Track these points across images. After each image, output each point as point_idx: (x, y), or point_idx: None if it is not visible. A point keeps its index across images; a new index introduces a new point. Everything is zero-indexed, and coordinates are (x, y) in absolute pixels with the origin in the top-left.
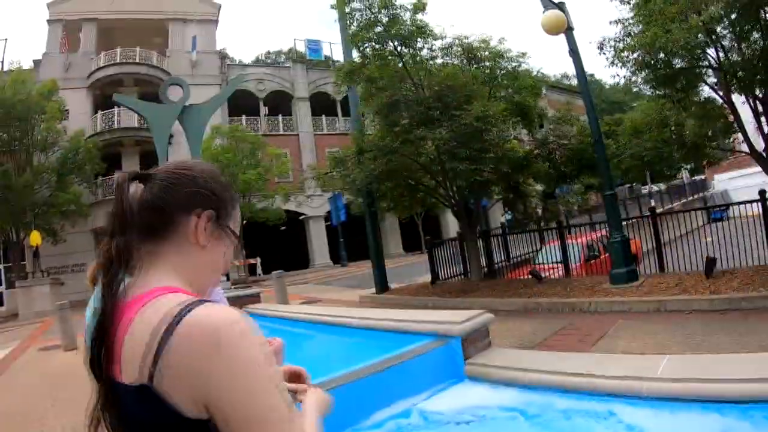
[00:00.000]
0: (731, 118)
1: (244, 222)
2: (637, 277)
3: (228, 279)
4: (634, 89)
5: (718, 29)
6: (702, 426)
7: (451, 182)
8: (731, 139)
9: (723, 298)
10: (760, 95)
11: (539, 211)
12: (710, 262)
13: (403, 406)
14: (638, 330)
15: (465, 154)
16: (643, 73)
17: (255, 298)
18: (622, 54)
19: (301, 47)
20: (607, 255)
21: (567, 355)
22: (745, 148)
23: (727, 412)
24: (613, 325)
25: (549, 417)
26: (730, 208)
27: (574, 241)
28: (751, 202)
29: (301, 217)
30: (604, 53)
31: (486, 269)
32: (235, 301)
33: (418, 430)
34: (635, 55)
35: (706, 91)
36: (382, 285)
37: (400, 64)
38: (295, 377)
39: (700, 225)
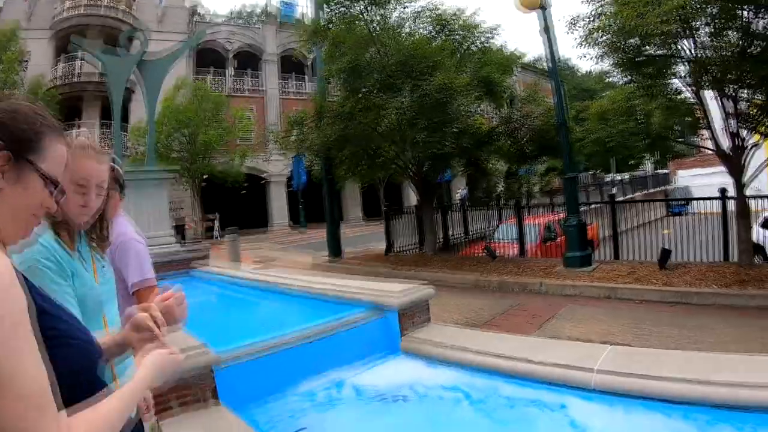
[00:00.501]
0: (699, 114)
1: (203, 181)
2: (591, 262)
3: (183, 236)
4: (606, 79)
5: (695, 23)
6: (645, 426)
7: (411, 152)
8: (697, 136)
9: (675, 290)
10: (732, 94)
11: (500, 188)
12: (665, 254)
13: (335, 377)
14: (586, 315)
15: (424, 124)
16: (612, 56)
17: (202, 257)
18: (593, 35)
19: (276, 4)
20: (564, 238)
21: (508, 336)
22: (710, 145)
23: (671, 413)
24: (562, 308)
25: (493, 403)
26: (691, 203)
27: (532, 221)
28: (712, 198)
29: (262, 181)
30: (574, 32)
31: (441, 243)
32: (185, 259)
33: (349, 402)
34: (605, 37)
35: (675, 84)
36: (335, 251)
37: (366, 29)
38: (139, 329)
39: (660, 217)
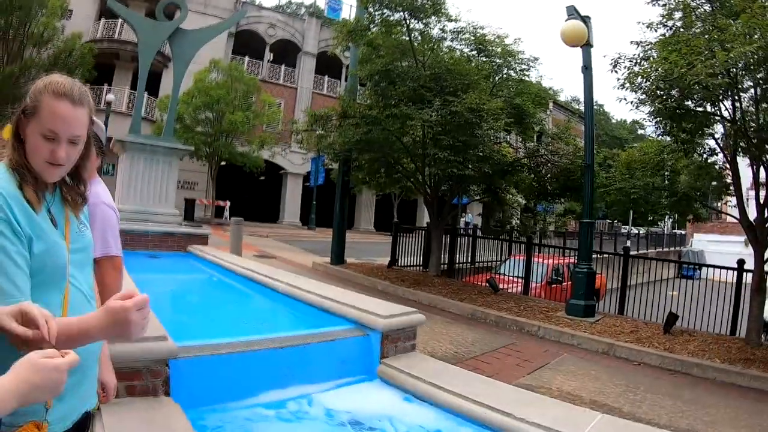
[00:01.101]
0: (729, 179)
1: (223, 162)
2: (594, 313)
3: (192, 213)
4: (639, 130)
5: (743, 82)
6: None
7: (430, 169)
8: (722, 201)
9: (676, 358)
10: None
11: (514, 221)
12: (671, 318)
13: (302, 392)
14: (581, 369)
15: (449, 142)
16: (651, 104)
17: (202, 239)
18: (635, 79)
19: (323, 3)
20: (570, 283)
21: (495, 383)
22: (736, 213)
23: None
24: (556, 357)
25: None
26: (704, 269)
27: (540, 260)
28: (729, 268)
29: (281, 171)
30: (616, 71)
31: (446, 266)
32: (182, 238)
33: (312, 422)
34: (647, 83)
35: (711, 144)
36: (338, 257)
37: (405, 37)
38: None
39: (671, 277)
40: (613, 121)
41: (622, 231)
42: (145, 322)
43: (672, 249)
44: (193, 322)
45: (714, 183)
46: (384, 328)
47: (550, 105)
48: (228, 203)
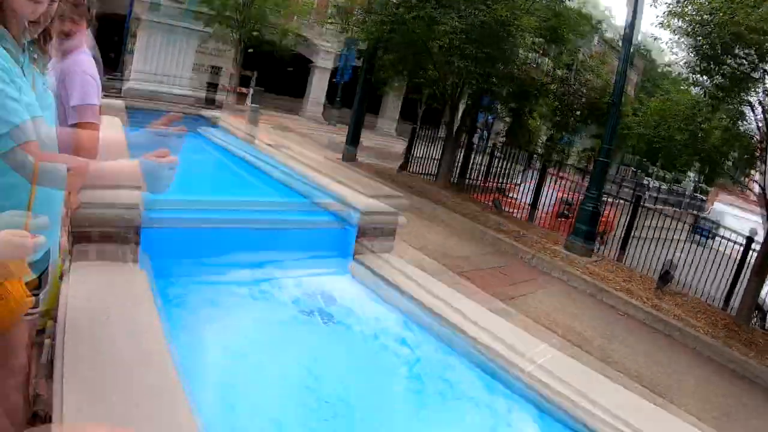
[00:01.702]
0: (758, 152)
1: (250, 49)
2: (592, 254)
3: (213, 101)
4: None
5: None
6: None
7: (452, 79)
8: (748, 175)
9: (661, 317)
10: None
11: (535, 148)
12: (665, 276)
13: (271, 275)
14: (563, 305)
15: (471, 52)
16: (689, 50)
17: (212, 120)
18: (674, 17)
19: None
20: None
21: (465, 301)
22: (756, 187)
23: None
24: (543, 288)
25: (421, 360)
26: (715, 237)
27: (553, 190)
28: (735, 242)
29: (309, 65)
30: (655, 5)
31: (455, 179)
32: (191, 118)
33: (274, 304)
34: (685, 24)
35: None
36: (349, 153)
37: None
38: None
39: (680, 239)
40: (659, 70)
41: (644, 182)
42: (172, 180)
43: (689, 211)
44: (178, 193)
45: (745, 154)
46: (361, 222)
47: (588, 34)
48: (251, 90)
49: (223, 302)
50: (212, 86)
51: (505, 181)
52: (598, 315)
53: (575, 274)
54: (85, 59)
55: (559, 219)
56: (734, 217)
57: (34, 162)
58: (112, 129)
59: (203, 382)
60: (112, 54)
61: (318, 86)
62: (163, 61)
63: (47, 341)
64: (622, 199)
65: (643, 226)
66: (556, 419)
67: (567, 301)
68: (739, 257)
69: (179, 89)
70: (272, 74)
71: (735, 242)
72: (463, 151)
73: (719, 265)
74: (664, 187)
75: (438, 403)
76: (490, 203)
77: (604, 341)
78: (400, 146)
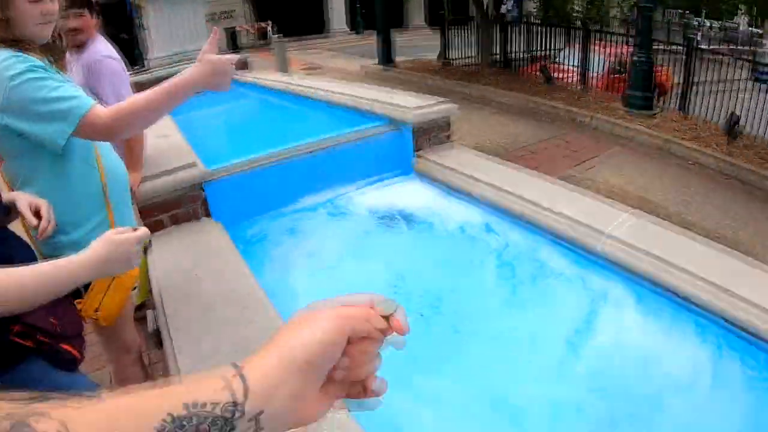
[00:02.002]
0: None
1: None
2: (653, 107)
3: (236, 43)
4: None
5: None
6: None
7: None
8: None
9: (733, 162)
10: None
11: (576, 8)
12: (733, 120)
13: (337, 194)
14: (632, 164)
15: None
16: None
17: (242, 64)
18: None
19: None
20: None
21: (533, 175)
22: None
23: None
24: (608, 150)
25: (495, 245)
26: None
27: (599, 48)
28: None
29: None
30: None
31: (499, 58)
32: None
33: (347, 220)
34: None
35: None
36: (385, 57)
37: None
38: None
39: (742, 79)
40: None
41: (693, 23)
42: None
43: (746, 48)
44: (229, 143)
45: None
46: (415, 120)
47: None
48: (270, 23)
49: (301, 228)
50: (229, 30)
51: (550, 49)
52: (668, 169)
53: (638, 130)
54: (101, 47)
55: (613, 76)
56: None
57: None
58: None
59: (299, 302)
60: (125, 35)
61: (337, 16)
62: (177, 35)
63: (149, 312)
64: (674, 44)
65: (700, 69)
66: (644, 286)
67: (634, 159)
68: None
69: (197, 44)
70: (288, 20)
71: None
72: (499, 28)
73: None
74: (716, 24)
75: (530, 284)
76: (538, 73)
77: (677, 194)
78: (432, 36)
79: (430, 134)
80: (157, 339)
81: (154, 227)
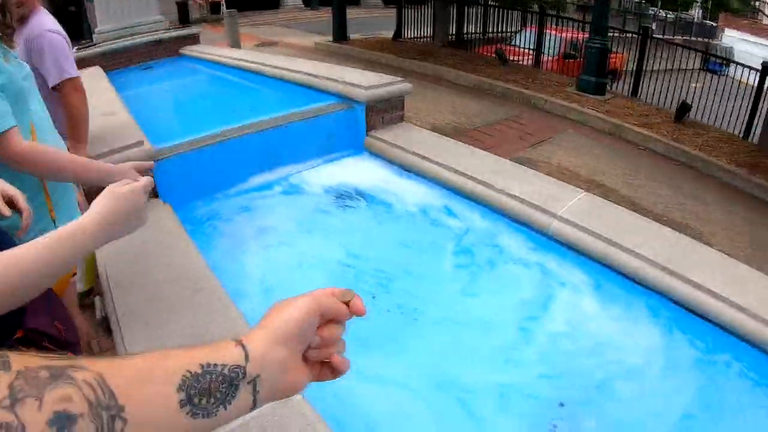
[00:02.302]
0: None
1: None
2: (605, 92)
3: (187, 17)
4: None
5: None
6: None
7: None
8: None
9: (682, 149)
10: None
11: None
12: (683, 107)
13: (288, 172)
14: (584, 146)
15: None
16: None
17: (193, 39)
18: None
19: None
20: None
21: (485, 155)
22: None
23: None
24: (560, 132)
25: (444, 223)
26: (732, 66)
27: (556, 33)
28: (753, 68)
29: None
30: None
31: (453, 37)
32: (173, 43)
33: (297, 199)
34: None
35: None
36: (339, 33)
37: None
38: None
39: (694, 69)
40: None
41: (649, 12)
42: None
43: (699, 39)
44: (178, 121)
45: None
46: (368, 98)
47: None
48: None
49: (253, 208)
50: (180, 4)
51: (506, 31)
52: (619, 153)
53: (591, 114)
54: (43, 19)
55: (567, 60)
56: (747, 42)
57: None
58: (95, 79)
59: (253, 283)
60: (72, 7)
61: None
62: (125, 7)
63: (97, 299)
64: (629, 31)
65: (654, 57)
66: (593, 267)
67: (586, 142)
68: (755, 85)
69: (147, 17)
70: None
71: (752, 68)
72: (456, 7)
73: (736, 95)
74: (671, 16)
75: (483, 265)
76: (494, 55)
77: (628, 176)
78: (388, 14)
79: (383, 113)
80: (106, 327)
81: None
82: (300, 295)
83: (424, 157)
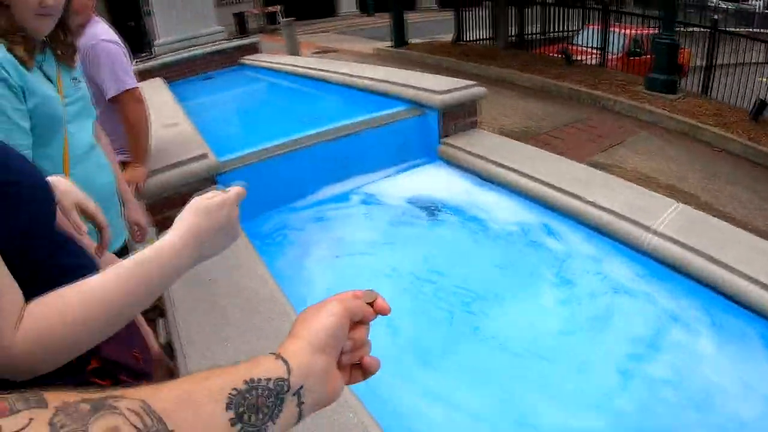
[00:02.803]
0: None
1: None
2: (676, 90)
3: (245, 27)
4: None
5: None
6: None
7: None
8: None
9: (761, 149)
10: None
11: None
12: (761, 105)
13: (360, 182)
14: (658, 149)
15: None
16: None
17: (253, 48)
18: None
19: None
20: (650, 56)
21: (564, 161)
22: None
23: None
24: (633, 134)
25: (529, 237)
26: None
27: (619, 29)
28: None
29: None
30: None
31: (514, 38)
32: (233, 53)
33: (369, 211)
34: None
35: None
36: (399, 39)
37: None
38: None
39: (763, 62)
40: None
41: (709, 3)
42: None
43: (764, 31)
44: (241, 132)
45: None
46: (441, 104)
47: None
48: (279, 7)
49: (322, 221)
50: (237, 16)
51: (567, 30)
52: (695, 155)
53: (663, 114)
54: (100, 29)
55: (630, 58)
56: None
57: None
58: (157, 90)
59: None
60: (131, 22)
61: None
62: (184, 19)
63: (159, 321)
64: (697, 25)
65: (721, 52)
66: (702, 293)
67: (661, 144)
68: None
69: (207, 28)
70: (297, 3)
71: None
72: (516, 8)
73: None
74: (732, 6)
75: (571, 285)
76: (558, 55)
77: (707, 181)
78: (445, 17)
79: (457, 119)
80: (169, 350)
81: (163, 225)
82: (326, 301)
83: (503, 166)
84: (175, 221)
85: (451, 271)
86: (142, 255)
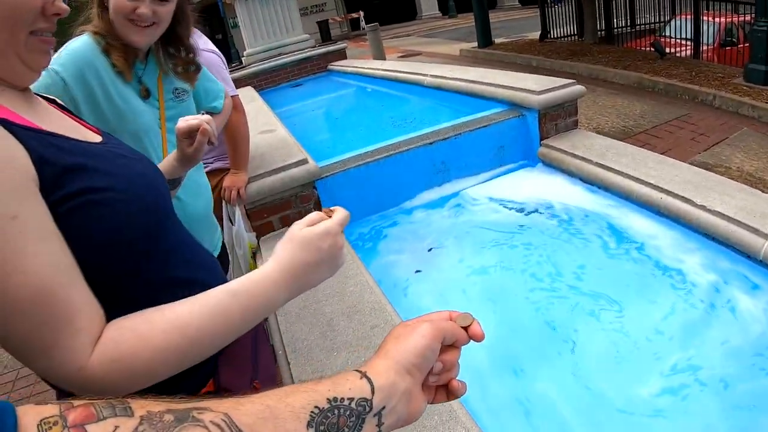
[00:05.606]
0: None
1: None
2: None
3: (328, 34)
4: None
5: None
6: None
7: None
8: None
9: None
10: None
11: None
12: None
13: (459, 187)
14: (764, 147)
15: None
16: None
17: (340, 54)
18: None
19: None
20: (746, 45)
21: (668, 162)
22: None
23: None
24: (735, 131)
25: (657, 254)
26: None
27: (711, 18)
28: None
29: None
30: None
31: (603, 33)
32: (320, 59)
33: (470, 217)
34: None
35: None
36: (484, 39)
37: None
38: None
39: None
40: None
41: None
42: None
43: None
44: (338, 137)
45: None
46: (540, 105)
47: None
48: (361, 13)
49: (421, 227)
50: (321, 23)
51: (657, 21)
52: None
53: (766, 108)
54: (197, 39)
55: (724, 48)
56: None
57: None
58: (249, 98)
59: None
60: (219, 35)
61: (427, 1)
62: (270, 30)
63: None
64: None
65: None
66: None
67: (765, 140)
68: None
69: (293, 37)
70: (378, 8)
71: None
72: (601, 1)
73: None
74: None
75: (698, 306)
76: (649, 48)
77: None
78: (528, 15)
79: (557, 119)
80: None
81: (263, 230)
82: (418, 320)
83: (608, 168)
84: (275, 249)
85: (557, 283)
86: (238, 285)
